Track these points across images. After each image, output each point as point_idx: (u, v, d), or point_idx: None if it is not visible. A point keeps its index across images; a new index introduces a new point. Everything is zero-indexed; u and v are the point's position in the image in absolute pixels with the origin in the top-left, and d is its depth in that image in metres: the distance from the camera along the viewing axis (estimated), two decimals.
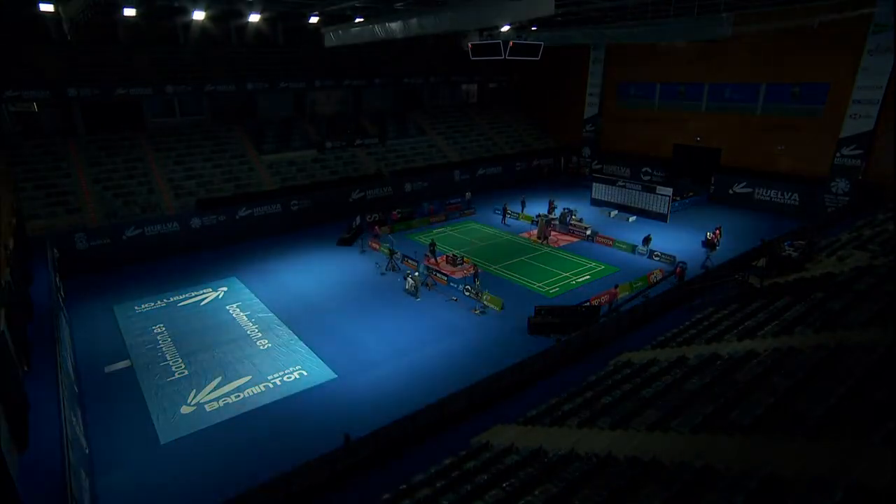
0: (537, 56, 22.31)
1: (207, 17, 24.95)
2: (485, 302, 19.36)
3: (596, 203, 32.33)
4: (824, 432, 5.84)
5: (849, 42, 26.32)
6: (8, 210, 18.25)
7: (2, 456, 7.45)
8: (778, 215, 29.34)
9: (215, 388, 14.62)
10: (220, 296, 20.81)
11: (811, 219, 26.01)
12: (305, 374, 15.31)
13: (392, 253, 23.08)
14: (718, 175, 33.01)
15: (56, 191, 24.91)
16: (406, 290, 20.61)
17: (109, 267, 23.30)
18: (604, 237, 26.00)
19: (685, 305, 16.62)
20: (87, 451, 11.71)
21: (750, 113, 32.30)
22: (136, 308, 19.71)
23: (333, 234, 27.34)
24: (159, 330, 18.06)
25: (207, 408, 13.80)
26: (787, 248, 16.46)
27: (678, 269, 20.74)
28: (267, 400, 14.10)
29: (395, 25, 22.08)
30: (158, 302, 20.25)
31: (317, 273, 23.09)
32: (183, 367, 15.77)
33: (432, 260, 23.50)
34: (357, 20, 25.00)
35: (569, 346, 14.30)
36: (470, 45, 21.48)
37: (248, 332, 17.83)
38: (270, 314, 19.13)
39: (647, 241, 24.34)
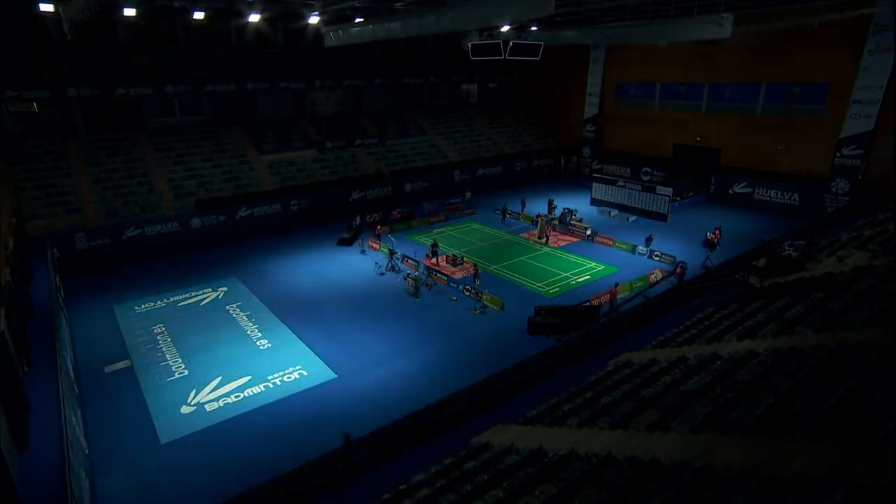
0: (537, 56, 22.35)
1: (207, 17, 24.96)
2: (485, 302, 19.36)
3: (596, 203, 32.32)
4: (824, 432, 5.84)
5: (849, 42, 26.31)
6: (8, 210, 18.25)
7: (2, 456, 7.45)
8: (778, 215, 29.34)
9: (215, 388, 14.62)
10: (220, 296, 20.81)
11: (811, 219, 26.00)
12: (305, 373, 15.31)
13: (392, 253, 23.09)
14: (718, 175, 33.01)
15: (56, 191, 24.91)
16: (406, 291, 20.61)
17: (109, 267, 23.30)
18: (604, 237, 25.99)
19: (685, 305, 16.61)
20: (87, 451, 11.71)
21: (750, 113, 32.31)
22: (136, 308, 19.71)
23: (333, 234, 27.35)
24: (159, 330, 18.05)
25: (207, 408, 13.80)
26: (787, 248, 16.47)
27: (678, 269, 20.74)
28: (267, 400, 14.10)
29: (395, 25, 22.10)
30: (158, 302, 20.25)
31: (317, 273, 23.10)
32: (183, 367, 15.76)
33: (432, 260, 23.50)
34: (357, 20, 25.02)
35: (569, 346, 14.30)
36: (470, 45, 21.52)
37: (248, 332, 17.83)
38: (270, 314, 19.13)
39: (649, 241, 24.35)
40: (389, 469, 10.48)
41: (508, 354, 14.90)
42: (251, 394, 14.37)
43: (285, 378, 15.08)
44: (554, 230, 27.35)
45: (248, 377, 15.13)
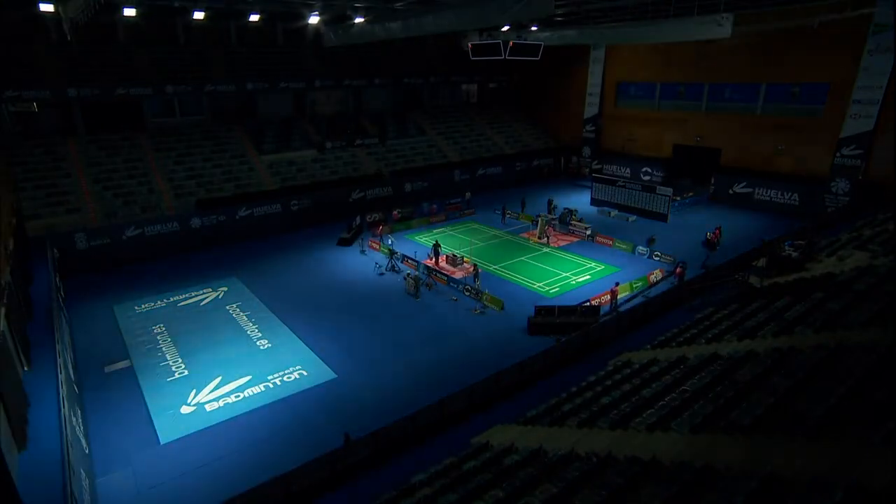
0: (537, 56, 22.37)
1: (207, 17, 24.97)
2: (485, 302, 19.36)
3: (596, 203, 32.31)
4: (824, 432, 5.84)
5: (849, 42, 26.31)
6: (8, 210, 18.25)
7: (2, 456, 7.45)
8: (778, 215, 29.33)
9: (215, 388, 14.62)
10: (220, 296, 20.81)
11: (811, 219, 26.00)
12: (305, 373, 15.31)
13: (392, 253, 23.09)
14: (718, 175, 33.00)
15: (56, 191, 24.91)
16: (406, 291, 20.61)
17: (109, 267, 23.30)
18: (604, 237, 25.99)
19: (685, 305, 16.62)
20: (87, 451, 11.71)
21: (750, 113, 32.31)
22: (136, 308, 19.71)
23: (333, 234, 27.34)
24: (159, 330, 18.05)
25: (207, 408, 13.80)
26: (787, 248, 16.47)
27: (678, 269, 20.74)
28: (267, 400, 14.09)
29: (394, 25, 22.12)
30: (158, 302, 20.25)
31: (317, 273, 23.09)
32: (183, 366, 15.76)
33: (433, 260, 23.50)
34: (357, 20, 25.02)
35: (569, 346, 14.31)
36: (470, 45, 21.53)
37: (248, 332, 17.83)
38: (270, 314, 19.13)
39: (650, 241, 24.34)
40: (389, 469, 10.49)
41: (508, 355, 14.92)
42: (251, 394, 14.37)
43: (285, 378, 15.08)
44: (554, 230, 27.35)
45: (249, 377, 15.13)
